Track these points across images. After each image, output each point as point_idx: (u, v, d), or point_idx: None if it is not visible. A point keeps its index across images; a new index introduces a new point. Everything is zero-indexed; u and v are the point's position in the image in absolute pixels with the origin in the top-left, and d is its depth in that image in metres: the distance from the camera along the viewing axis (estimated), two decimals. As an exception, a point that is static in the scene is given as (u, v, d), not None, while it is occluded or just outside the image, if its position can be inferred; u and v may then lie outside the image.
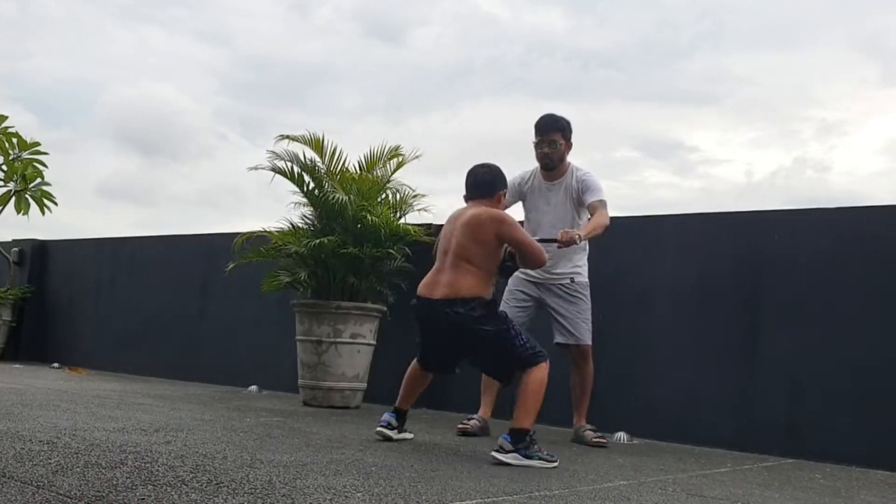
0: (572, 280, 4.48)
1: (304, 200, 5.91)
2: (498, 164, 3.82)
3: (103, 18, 21.99)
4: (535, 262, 3.68)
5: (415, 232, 5.65)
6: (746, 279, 4.83)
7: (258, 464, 2.74)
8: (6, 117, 8.17)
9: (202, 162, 24.06)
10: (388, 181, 5.95)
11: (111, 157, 24.55)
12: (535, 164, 4.55)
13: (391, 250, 5.66)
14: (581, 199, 4.43)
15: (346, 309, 5.46)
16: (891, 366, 4.32)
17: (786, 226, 4.80)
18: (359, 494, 2.34)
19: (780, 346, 4.65)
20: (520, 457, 3.25)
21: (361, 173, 5.87)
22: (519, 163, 4.73)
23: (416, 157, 5.97)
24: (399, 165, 5.97)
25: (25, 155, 8.35)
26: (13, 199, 8.44)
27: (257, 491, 2.26)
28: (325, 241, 5.43)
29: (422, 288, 3.63)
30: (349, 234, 5.59)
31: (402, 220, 5.85)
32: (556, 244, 4.10)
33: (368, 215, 5.56)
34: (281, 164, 5.80)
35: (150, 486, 2.22)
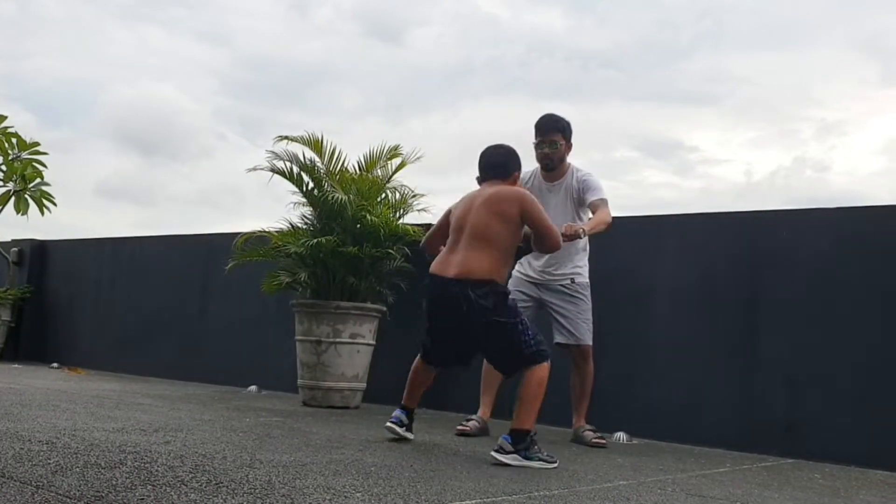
0: (573, 280, 4.48)
1: (304, 200, 5.91)
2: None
3: (103, 18, 21.99)
4: (552, 244, 3.58)
5: (414, 232, 5.65)
6: (746, 279, 4.83)
7: (257, 464, 2.74)
8: (5, 117, 8.16)
9: (202, 162, 24.07)
10: (388, 181, 5.95)
11: (111, 156, 24.57)
12: (536, 165, 4.56)
13: (391, 250, 5.66)
14: (582, 199, 4.44)
15: (346, 309, 5.46)
16: (891, 366, 4.32)
17: (785, 226, 4.80)
18: (358, 494, 2.34)
19: (779, 346, 4.65)
20: (520, 458, 3.23)
21: (361, 173, 5.87)
22: (519, 163, 4.72)
23: (418, 158, 5.97)
24: (400, 166, 5.97)
25: (25, 155, 8.34)
26: (12, 199, 8.43)
27: (257, 491, 2.26)
28: (323, 240, 5.43)
29: (434, 266, 3.55)
30: (348, 234, 5.59)
31: (401, 220, 5.85)
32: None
33: (368, 215, 5.56)
34: (280, 164, 5.80)
35: (149, 487, 2.22)
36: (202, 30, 22.75)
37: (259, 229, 6.06)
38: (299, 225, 5.93)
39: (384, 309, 5.67)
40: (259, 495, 2.20)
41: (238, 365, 7.07)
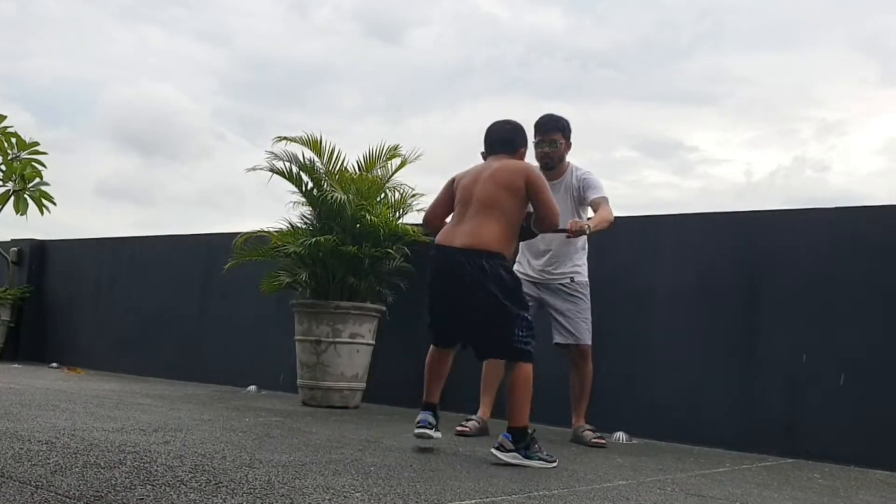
0: (572, 280, 4.49)
1: (303, 200, 5.91)
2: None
3: (103, 18, 21.99)
4: (550, 222, 3.49)
5: (414, 232, 5.65)
6: (746, 279, 4.83)
7: (257, 464, 2.74)
8: (5, 117, 8.17)
9: (202, 162, 24.08)
10: (388, 181, 5.95)
11: (110, 156, 24.57)
12: (535, 164, 4.55)
13: (390, 250, 5.66)
14: (582, 198, 4.45)
15: (345, 309, 5.46)
16: (890, 366, 4.32)
17: (785, 225, 4.80)
18: (358, 494, 2.34)
19: (779, 345, 4.65)
20: (520, 456, 3.23)
21: (360, 173, 5.87)
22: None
23: (417, 157, 5.97)
24: (400, 165, 5.97)
25: (24, 155, 8.34)
26: (12, 198, 8.43)
27: (256, 491, 2.26)
28: (322, 239, 5.43)
29: (440, 237, 3.47)
30: (348, 234, 5.59)
31: (401, 220, 5.85)
32: (565, 234, 4.13)
33: (367, 215, 5.56)
34: (280, 164, 5.81)
35: (148, 486, 2.22)
36: (202, 30, 22.76)
37: (258, 229, 6.06)
38: (299, 225, 5.93)
39: (384, 309, 5.67)
40: (259, 495, 2.20)
41: (238, 365, 7.07)
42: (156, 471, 2.47)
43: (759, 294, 4.77)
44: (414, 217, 5.95)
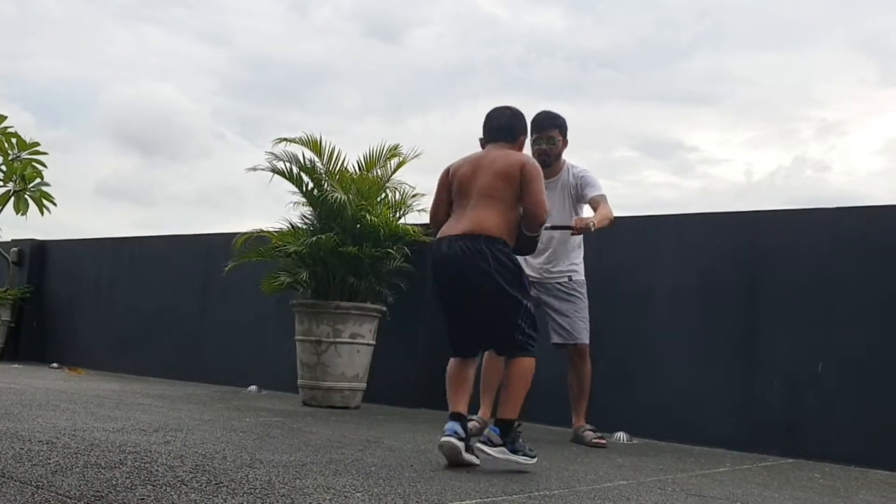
0: (570, 278, 4.49)
1: (304, 200, 5.91)
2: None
3: (103, 18, 22.00)
4: (538, 220, 3.31)
5: (414, 232, 5.65)
6: (746, 279, 4.83)
7: (257, 464, 2.74)
8: (5, 117, 8.16)
9: (201, 162, 24.10)
10: (388, 181, 5.95)
11: (110, 156, 24.59)
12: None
13: (390, 250, 5.66)
14: (580, 196, 4.45)
15: (346, 309, 5.46)
16: (891, 366, 4.32)
17: (785, 225, 4.80)
18: (358, 494, 2.34)
19: (779, 345, 4.65)
20: (507, 451, 3.10)
21: (360, 173, 5.87)
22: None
23: (416, 155, 5.97)
24: (400, 165, 5.97)
25: (25, 155, 8.33)
26: (12, 199, 8.43)
27: (257, 491, 2.26)
28: (324, 237, 5.43)
29: (442, 231, 3.36)
30: (348, 234, 5.59)
31: (401, 220, 5.85)
32: (570, 231, 4.12)
33: (368, 215, 5.56)
34: (280, 164, 5.81)
35: (149, 486, 2.22)
36: (202, 30, 22.77)
37: (258, 229, 6.06)
38: (299, 225, 5.93)
39: (384, 309, 5.67)
40: (259, 495, 2.20)
41: (238, 365, 7.07)
42: (156, 471, 2.47)
43: (759, 294, 4.77)
44: (414, 217, 5.97)
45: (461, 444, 3.07)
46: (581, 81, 21.64)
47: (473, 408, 4.53)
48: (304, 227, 5.89)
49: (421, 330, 5.90)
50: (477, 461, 3.12)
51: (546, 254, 4.48)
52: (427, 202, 5.92)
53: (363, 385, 5.61)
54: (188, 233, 8.11)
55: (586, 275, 4.57)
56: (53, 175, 9.38)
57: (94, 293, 8.69)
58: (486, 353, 4.30)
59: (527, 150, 3.73)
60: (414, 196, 5.95)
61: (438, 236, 3.36)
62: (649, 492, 2.90)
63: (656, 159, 21.60)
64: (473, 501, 2.42)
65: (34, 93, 22.54)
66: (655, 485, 3.09)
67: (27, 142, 8.30)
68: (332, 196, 5.58)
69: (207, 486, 2.28)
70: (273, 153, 5.76)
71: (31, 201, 8.49)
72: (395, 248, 5.68)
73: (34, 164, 8.39)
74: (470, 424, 4.25)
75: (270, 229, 5.97)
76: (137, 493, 2.12)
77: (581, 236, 4.42)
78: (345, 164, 5.88)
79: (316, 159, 5.82)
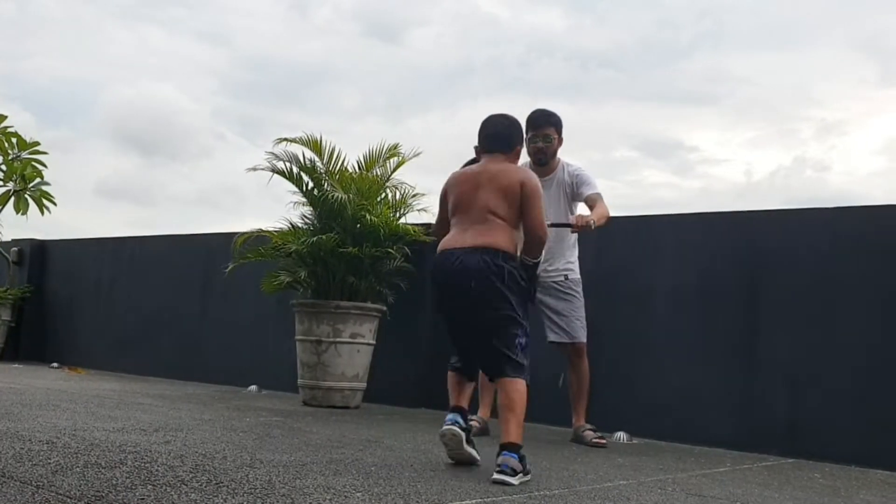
0: (566, 277, 4.49)
1: (304, 200, 5.91)
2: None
3: (103, 18, 22.00)
4: (539, 240, 3.25)
5: (414, 232, 5.65)
6: (746, 279, 4.83)
7: (258, 463, 2.74)
8: (5, 117, 8.16)
9: (201, 162, 24.10)
10: (388, 180, 5.95)
11: (110, 156, 24.59)
12: (526, 159, 4.53)
13: (390, 250, 5.66)
14: (576, 194, 4.45)
15: (346, 309, 5.46)
16: (891, 366, 4.32)
17: (785, 225, 4.80)
18: (358, 494, 2.34)
19: (779, 345, 4.65)
20: (524, 476, 2.95)
21: (361, 173, 5.87)
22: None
23: (416, 155, 5.97)
24: (399, 164, 5.97)
25: (25, 155, 8.33)
26: (12, 198, 8.43)
27: (257, 491, 2.26)
28: (323, 237, 5.43)
29: (443, 244, 3.26)
30: (348, 234, 5.59)
31: (401, 220, 5.85)
32: (570, 228, 4.11)
33: (368, 215, 5.56)
34: (280, 164, 5.81)
35: (149, 486, 2.22)
36: (202, 30, 22.77)
37: (258, 229, 6.06)
38: (299, 225, 5.93)
39: (384, 308, 5.67)
40: (259, 495, 2.21)
41: (238, 365, 7.07)
42: (156, 471, 2.47)
43: (759, 294, 4.77)
44: (414, 217, 5.97)
45: (463, 434, 3.06)
46: (581, 81, 21.65)
47: (473, 408, 4.54)
48: (305, 226, 5.89)
49: (421, 330, 5.90)
50: (477, 455, 3.12)
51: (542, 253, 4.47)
52: (427, 202, 5.95)
53: (363, 385, 5.61)
54: (188, 233, 8.11)
55: (586, 275, 4.58)
56: (53, 175, 9.40)
57: (94, 293, 8.69)
58: None
59: (522, 155, 3.72)
60: (414, 196, 5.96)
61: (442, 248, 3.26)
62: (649, 492, 2.90)
63: (656, 159, 21.61)
64: (473, 501, 2.42)
65: (34, 93, 22.55)
66: (655, 485, 3.09)
67: (27, 141, 8.30)
68: (332, 196, 5.58)
69: (207, 486, 2.28)
70: (273, 153, 5.76)
71: (31, 201, 8.49)
72: (395, 247, 5.68)
73: (34, 163, 8.39)
74: (470, 424, 4.28)
75: (270, 229, 5.97)
76: (137, 493, 2.12)
77: (576, 235, 4.42)
78: (345, 164, 5.88)
79: (316, 159, 5.82)
